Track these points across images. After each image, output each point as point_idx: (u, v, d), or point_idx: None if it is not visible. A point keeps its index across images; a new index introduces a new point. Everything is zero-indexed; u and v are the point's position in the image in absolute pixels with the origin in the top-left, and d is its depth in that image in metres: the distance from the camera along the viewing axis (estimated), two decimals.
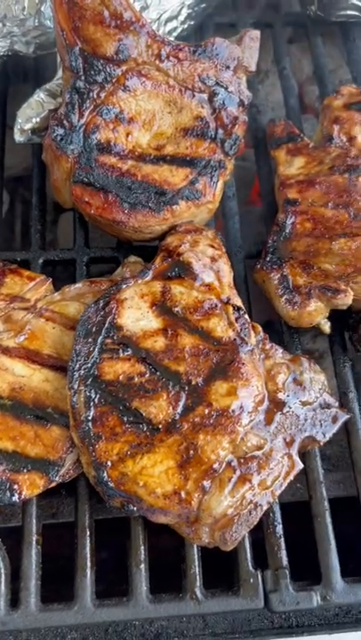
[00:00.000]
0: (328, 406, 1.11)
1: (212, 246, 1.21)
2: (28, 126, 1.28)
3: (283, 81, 1.56)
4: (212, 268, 1.17)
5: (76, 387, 1.04)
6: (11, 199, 1.68)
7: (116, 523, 1.13)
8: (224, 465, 1.01)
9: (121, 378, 1.04)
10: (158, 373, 1.05)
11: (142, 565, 1.06)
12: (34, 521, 1.08)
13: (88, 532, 1.07)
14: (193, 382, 1.05)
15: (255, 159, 1.47)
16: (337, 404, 1.13)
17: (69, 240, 1.54)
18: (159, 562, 1.13)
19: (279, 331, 1.28)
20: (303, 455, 1.12)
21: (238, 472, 1.01)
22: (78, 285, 1.20)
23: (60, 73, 1.34)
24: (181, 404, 1.03)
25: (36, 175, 1.38)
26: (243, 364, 1.06)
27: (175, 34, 1.44)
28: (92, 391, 1.03)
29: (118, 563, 1.19)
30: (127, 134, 1.24)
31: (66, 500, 1.20)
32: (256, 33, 1.35)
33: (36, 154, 1.40)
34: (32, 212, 1.35)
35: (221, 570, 1.11)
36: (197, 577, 1.06)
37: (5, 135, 1.48)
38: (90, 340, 1.07)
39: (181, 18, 1.42)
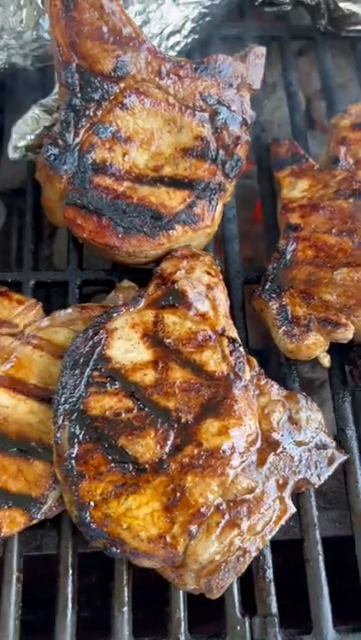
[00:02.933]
0: (324, 447, 1.06)
1: (209, 273, 1.16)
2: (22, 143, 1.24)
3: (289, 97, 1.51)
4: (207, 296, 1.13)
5: (60, 422, 1.00)
6: (8, 212, 1.64)
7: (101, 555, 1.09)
8: (212, 509, 0.96)
9: (107, 413, 1.00)
10: (147, 409, 1.01)
11: (125, 608, 1.02)
12: (14, 557, 1.04)
13: (71, 571, 1.03)
14: (183, 420, 1.00)
15: (258, 179, 1.42)
16: (334, 444, 1.08)
17: (64, 257, 1.50)
18: (142, 597, 1.09)
19: (276, 359, 1.24)
20: (297, 494, 1.08)
21: (227, 516, 0.97)
22: (68, 311, 1.16)
23: (56, 88, 1.30)
24: (170, 442, 0.99)
25: (30, 192, 1.34)
26: (236, 401, 1.02)
27: (178, 48, 1.39)
28: (77, 427, 0.99)
29: (103, 587, 1.15)
30: (124, 154, 1.20)
31: (51, 531, 1.16)
32: (262, 50, 1.29)
33: (31, 171, 1.35)
34: (25, 231, 1.31)
35: (208, 614, 1.07)
36: (182, 622, 1.01)
37: (3, 148, 1.44)
38: (77, 371, 1.03)
39: (185, 32, 1.38)
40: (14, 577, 1.03)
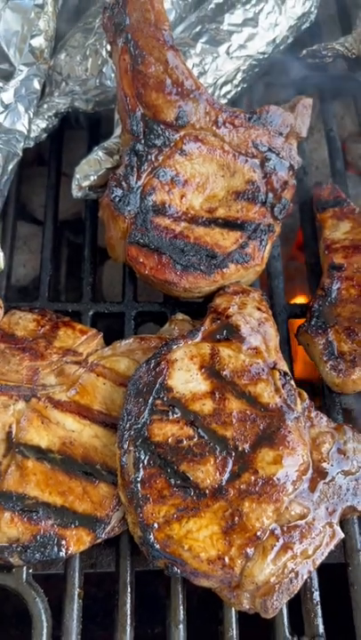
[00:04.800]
0: None
1: (260, 309, 1.24)
2: (85, 183, 1.33)
3: (330, 143, 1.60)
4: (259, 331, 1.20)
5: (125, 446, 1.07)
6: (58, 242, 1.72)
7: (155, 573, 1.15)
8: (268, 533, 1.03)
9: (170, 440, 1.07)
10: (206, 437, 1.08)
11: (181, 626, 1.08)
12: (77, 574, 1.11)
13: (129, 589, 1.10)
14: (240, 448, 1.07)
15: (300, 221, 1.51)
16: None
17: (113, 286, 1.59)
18: (194, 615, 1.15)
19: (319, 391, 1.31)
20: (341, 522, 1.14)
21: (281, 540, 1.03)
22: (129, 341, 1.23)
23: (117, 131, 1.39)
24: (228, 469, 1.06)
25: (89, 228, 1.43)
26: (289, 431, 1.09)
27: (230, 96, 1.49)
28: (142, 452, 1.06)
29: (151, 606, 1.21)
30: (181, 196, 1.29)
31: (105, 550, 1.23)
32: (309, 101, 1.39)
33: (90, 207, 1.45)
34: (84, 265, 1.39)
35: (257, 634, 1.13)
36: None
37: (60, 183, 1.53)
38: (140, 400, 1.10)
39: (236, 82, 1.47)
40: (76, 593, 1.09)
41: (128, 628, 1.07)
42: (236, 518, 1.02)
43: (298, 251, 1.69)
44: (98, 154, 1.35)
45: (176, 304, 1.35)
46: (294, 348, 1.37)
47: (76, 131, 1.70)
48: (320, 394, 1.32)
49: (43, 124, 1.40)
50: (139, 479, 1.04)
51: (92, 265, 1.40)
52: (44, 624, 1.06)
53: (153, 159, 1.27)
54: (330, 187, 1.47)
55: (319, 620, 1.09)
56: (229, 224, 1.28)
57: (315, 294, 1.32)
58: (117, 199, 1.24)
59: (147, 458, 1.06)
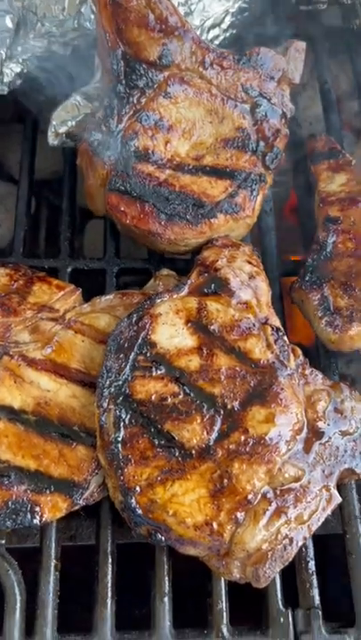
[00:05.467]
0: None
1: (250, 263, 1.16)
2: (62, 129, 1.24)
3: (324, 95, 1.52)
4: (249, 285, 1.12)
5: (105, 405, 0.98)
6: (37, 203, 1.63)
7: (138, 547, 1.07)
8: (259, 496, 0.95)
9: (153, 398, 0.99)
10: (192, 395, 1.00)
11: (166, 598, 1.00)
12: (53, 545, 1.02)
13: (110, 559, 1.02)
14: (229, 406, 0.99)
15: (293, 174, 1.42)
16: None
17: (96, 249, 1.49)
18: (180, 588, 1.07)
19: (315, 354, 1.23)
20: (339, 487, 1.06)
21: (274, 504, 0.95)
22: (109, 297, 1.15)
23: (97, 76, 1.29)
24: (216, 428, 0.98)
25: (67, 180, 1.34)
26: (282, 389, 1.01)
27: (217, 42, 1.40)
28: (123, 411, 0.98)
29: (136, 585, 1.13)
30: (166, 142, 1.20)
31: (85, 522, 1.15)
32: (302, 44, 1.30)
33: (68, 158, 1.35)
34: (62, 218, 1.30)
35: (248, 606, 1.05)
36: (224, 613, 0.99)
37: (37, 139, 1.44)
38: (121, 355, 1.02)
39: (224, 26, 1.38)
40: (52, 565, 1.01)
41: (109, 602, 0.99)
42: (225, 481, 0.94)
43: (291, 212, 1.61)
44: (76, 99, 1.25)
45: (161, 260, 1.26)
46: (288, 310, 1.29)
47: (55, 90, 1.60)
48: (315, 358, 1.24)
49: (17, 69, 1.30)
50: (119, 439, 0.96)
51: (70, 218, 1.31)
52: (17, 597, 0.98)
53: (135, 101, 1.18)
54: (324, 138, 1.39)
55: (315, 591, 1.01)
56: (218, 172, 1.19)
57: (309, 249, 1.24)
58: (96, 143, 1.15)
59: (128, 416, 0.97)
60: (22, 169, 1.37)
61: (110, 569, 1.01)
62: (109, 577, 1.00)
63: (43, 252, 1.59)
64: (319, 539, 1.07)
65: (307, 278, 1.19)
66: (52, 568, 1.01)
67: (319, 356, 1.21)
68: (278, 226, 1.42)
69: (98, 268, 1.25)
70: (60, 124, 1.24)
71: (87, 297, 1.17)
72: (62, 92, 1.28)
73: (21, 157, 1.39)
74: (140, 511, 0.94)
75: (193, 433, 0.97)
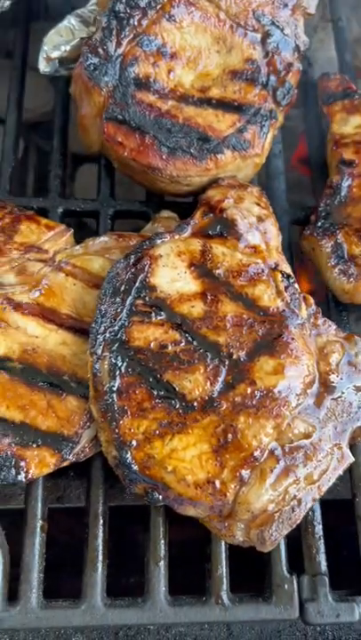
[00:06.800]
0: None
1: (259, 205, 1.06)
2: (55, 54, 1.12)
3: (337, 34, 1.41)
4: (258, 228, 1.03)
5: (99, 352, 0.89)
6: (25, 147, 1.51)
7: (131, 510, 0.99)
8: (266, 453, 0.87)
9: (152, 345, 0.90)
10: (195, 343, 0.91)
11: (162, 562, 0.92)
12: (39, 504, 0.94)
13: (101, 521, 0.93)
14: (234, 356, 0.90)
15: (304, 115, 1.32)
16: None
17: (88, 195, 1.38)
18: (176, 554, 0.99)
19: (325, 309, 1.14)
20: (350, 447, 0.98)
21: (282, 462, 0.87)
22: (104, 239, 1.05)
23: None
24: (221, 379, 0.89)
25: (59, 114, 1.23)
26: (292, 338, 0.92)
27: None
28: (119, 358, 0.88)
29: (128, 551, 1.05)
30: (169, 71, 1.09)
31: (74, 482, 1.06)
32: None
33: (60, 90, 1.24)
34: (52, 156, 1.19)
35: (247, 572, 0.98)
36: (224, 579, 0.92)
37: (26, 75, 1.31)
38: (118, 299, 0.92)
39: None
40: (38, 526, 0.93)
41: (99, 565, 0.91)
42: (230, 435, 0.86)
43: (299, 163, 1.51)
44: (71, 21, 1.13)
45: (160, 204, 1.16)
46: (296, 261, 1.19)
47: (46, 22, 1.48)
48: (325, 312, 1.15)
49: None
50: (115, 389, 0.87)
51: (61, 157, 1.19)
52: (0, 560, 0.89)
53: (136, 24, 1.07)
54: (338, 77, 1.29)
55: (322, 557, 0.94)
56: (225, 105, 1.09)
57: (322, 194, 1.14)
58: (93, 68, 1.04)
59: (124, 364, 0.88)
60: (10, 102, 1.24)
61: (102, 531, 0.92)
62: (100, 539, 0.92)
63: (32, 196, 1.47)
64: (325, 503, 1.00)
65: (319, 224, 1.09)
66: (38, 529, 0.92)
67: (329, 309, 1.13)
68: (289, 172, 1.32)
69: (91, 210, 1.15)
70: (53, 48, 1.12)
71: (78, 242, 1.07)
72: (55, 15, 1.16)
73: (9, 91, 1.27)
74: (135, 467, 0.85)
75: (195, 384, 0.88)
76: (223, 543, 0.94)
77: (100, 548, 0.92)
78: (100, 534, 0.92)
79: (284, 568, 0.93)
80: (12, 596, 0.90)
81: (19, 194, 1.43)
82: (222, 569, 0.92)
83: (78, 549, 0.96)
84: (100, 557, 0.91)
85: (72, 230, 1.05)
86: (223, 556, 0.93)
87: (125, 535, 1.12)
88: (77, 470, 1.04)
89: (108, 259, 1.02)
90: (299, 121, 1.42)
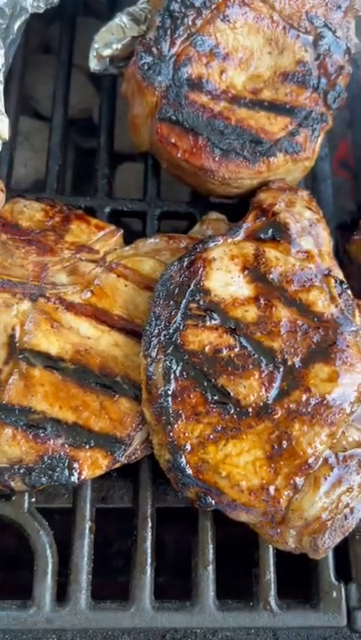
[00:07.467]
0: None
1: (310, 209, 1.05)
2: (106, 52, 1.11)
3: None
4: (310, 233, 1.02)
5: (154, 355, 0.89)
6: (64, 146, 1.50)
7: (177, 511, 0.99)
8: (321, 461, 0.86)
9: (206, 349, 0.89)
10: (249, 348, 0.90)
11: (210, 567, 0.92)
12: (88, 505, 0.94)
13: (150, 524, 0.93)
14: (289, 362, 0.90)
15: (349, 117, 1.31)
16: None
17: (127, 194, 1.38)
18: (222, 557, 0.99)
19: None
20: None
21: (336, 470, 0.87)
22: (155, 240, 1.04)
23: None
24: (276, 386, 0.88)
25: (106, 112, 1.22)
26: (347, 345, 0.91)
27: None
28: (173, 362, 0.88)
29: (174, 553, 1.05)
30: (221, 72, 1.08)
31: (117, 482, 1.06)
32: None
33: (107, 88, 1.23)
34: (99, 155, 1.19)
35: (292, 578, 0.97)
36: (272, 585, 0.92)
37: (71, 73, 1.31)
38: (172, 302, 0.92)
39: None
40: (87, 527, 0.93)
41: (148, 568, 0.91)
42: (284, 442, 0.86)
43: (339, 166, 1.49)
44: (122, 19, 1.12)
45: (207, 205, 1.15)
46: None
47: (90, 18, 1.47)
48: None
49: None
50: (169, 392, 0.87)
51: (108, 155, 1.19)
52: (49, 560, 0.90)
53: (190, 23, 1.06)
54: None
55: None
56: (277, 108, 1.08)
57: None
58: (146, 67, 1.03)
59: (179, 368, 0.88)
60: (56, 100, 1.24)
61: (150, 533, 0.92)
62: (149, 542, 0.92)
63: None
64: None
65: None
66: (87, 530, 0.93)
67: None
68: (334, 174, 1.31)
69: (138, 210, 1.14)
70: (104, 46, 1.11)
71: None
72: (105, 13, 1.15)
73: (54, 88, 1.26)
74: (189, 471, 0.85)
75: (250, 389, 0.88)
76: (271, 548, 0.93)
77: (149, 550, 0.92)
78: (149, 537, 0.92)
79: (332, 575, 0.93)
80: (60, 596, 0.90)
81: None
82: (270, 574, 0.92)
83: (119, 547, 0.97)
84: (149, 560, 0.91)
85: (122, 231, 1.05)
86: (271, 561, 0.93)
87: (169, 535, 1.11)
88: (121, 471, 1.04)
89: (159, 260, 1.01)
90: (339, 123, 1.41)
